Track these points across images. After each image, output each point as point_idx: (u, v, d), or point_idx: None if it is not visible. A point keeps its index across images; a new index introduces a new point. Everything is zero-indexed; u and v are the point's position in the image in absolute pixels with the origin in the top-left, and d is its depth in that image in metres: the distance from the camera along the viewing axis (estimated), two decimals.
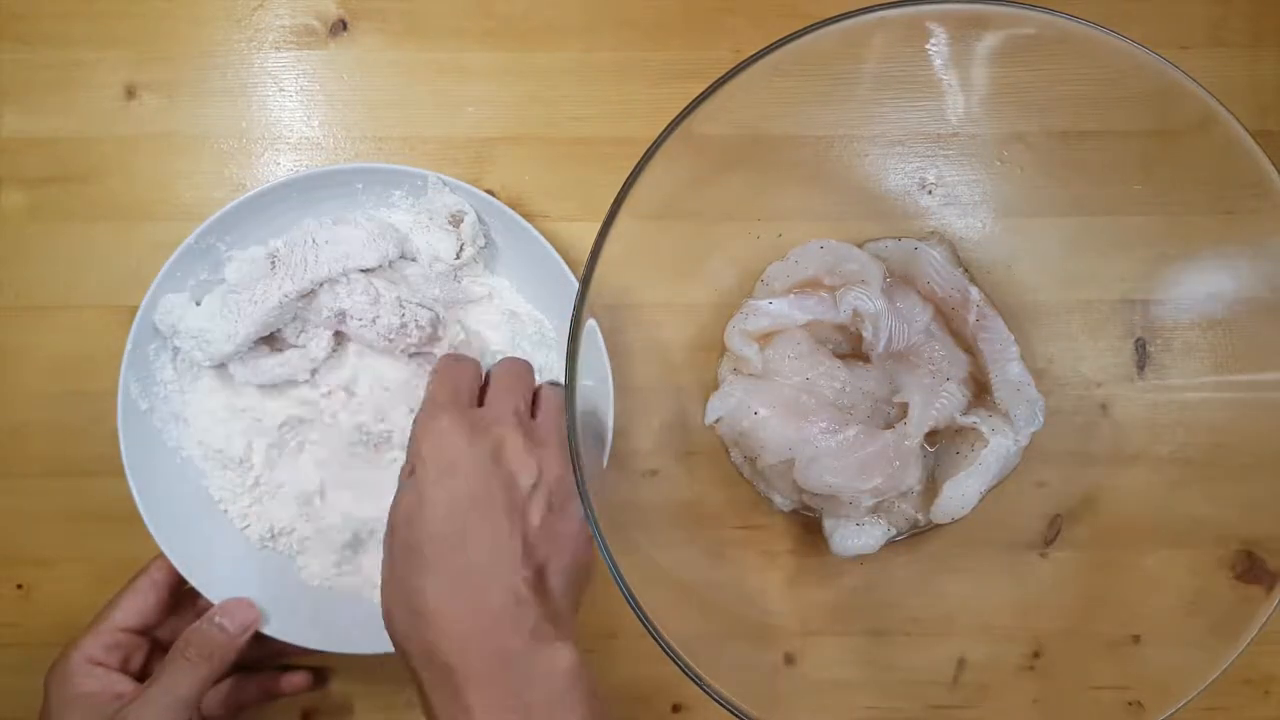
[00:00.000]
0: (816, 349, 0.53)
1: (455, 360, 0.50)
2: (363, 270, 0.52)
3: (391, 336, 0.52)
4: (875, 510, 0.53)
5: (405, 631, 0.43)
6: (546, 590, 0.44)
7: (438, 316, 0.53)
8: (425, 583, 0.42)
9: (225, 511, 0.54)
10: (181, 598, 0.53)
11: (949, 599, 0.53)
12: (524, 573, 0.43)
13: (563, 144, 0.58)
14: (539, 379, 0.55)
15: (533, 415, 0.49)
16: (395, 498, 0.46)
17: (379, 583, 0.53)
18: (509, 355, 0.53)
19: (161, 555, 0.51)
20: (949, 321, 0.55)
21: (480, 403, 0.49)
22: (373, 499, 0.54)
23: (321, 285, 0.51)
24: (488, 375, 0.50)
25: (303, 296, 0.52)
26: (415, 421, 0.47)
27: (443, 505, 0.44)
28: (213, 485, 0.54)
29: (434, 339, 0.54)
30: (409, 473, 0.45)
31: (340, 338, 0.54)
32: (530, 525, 0.44)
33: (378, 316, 0.51)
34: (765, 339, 0.54)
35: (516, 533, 0.43)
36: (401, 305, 0.52)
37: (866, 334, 0.54)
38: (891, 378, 0.54)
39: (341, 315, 0.52)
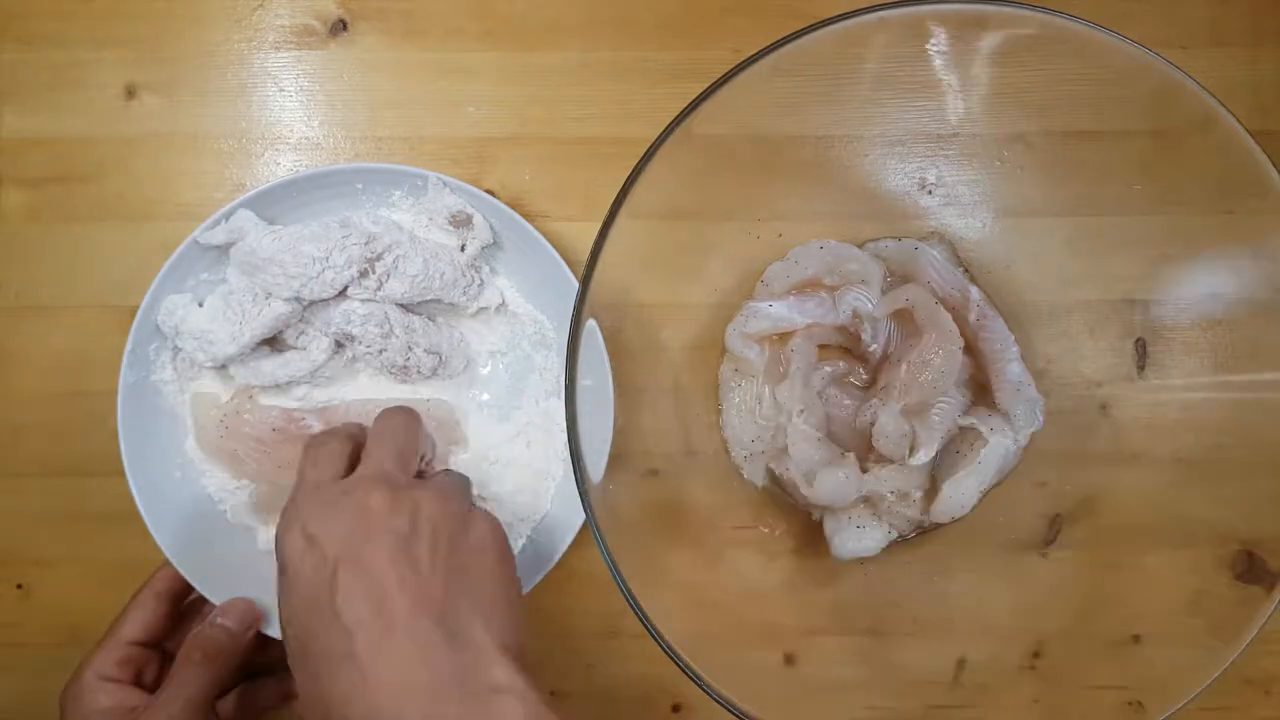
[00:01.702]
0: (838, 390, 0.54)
1: (320, 442, 0.45)
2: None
3: (393, 370, 0.53)
4: (875, 513, 0.53)
5: None
6: (466, 636, 0.39)
7: (441, 359, 0.53)
8: (331, 687, 0.37)
9: (225, 512, 0.54)
10: (188, 608, 0.53)
11: (949, 599, 0.53)
12: (428, 627, 0.38)
13: (563, 144, 0.58)
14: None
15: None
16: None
17: None
18: (396, 404, 0.49)
19: (163, 566, 0.51)
20: None
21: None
22: None
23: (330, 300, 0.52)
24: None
25: (307, 306, 0.52)
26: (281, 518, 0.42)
27: (308, 592, 0.39)
28: (212, 485, 0.54)
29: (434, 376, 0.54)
30: (280, 574, 0.41)
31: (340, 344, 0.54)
32: (420, 574, 0.39)
33: (384, 350, 0.52)
34: (766, 340, 0.54)
35: (406, 588, 0.39)
36: (409, 349, 0.52)
37: (865, 335, 0.54)
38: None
39: (349, 337, 0.52)
